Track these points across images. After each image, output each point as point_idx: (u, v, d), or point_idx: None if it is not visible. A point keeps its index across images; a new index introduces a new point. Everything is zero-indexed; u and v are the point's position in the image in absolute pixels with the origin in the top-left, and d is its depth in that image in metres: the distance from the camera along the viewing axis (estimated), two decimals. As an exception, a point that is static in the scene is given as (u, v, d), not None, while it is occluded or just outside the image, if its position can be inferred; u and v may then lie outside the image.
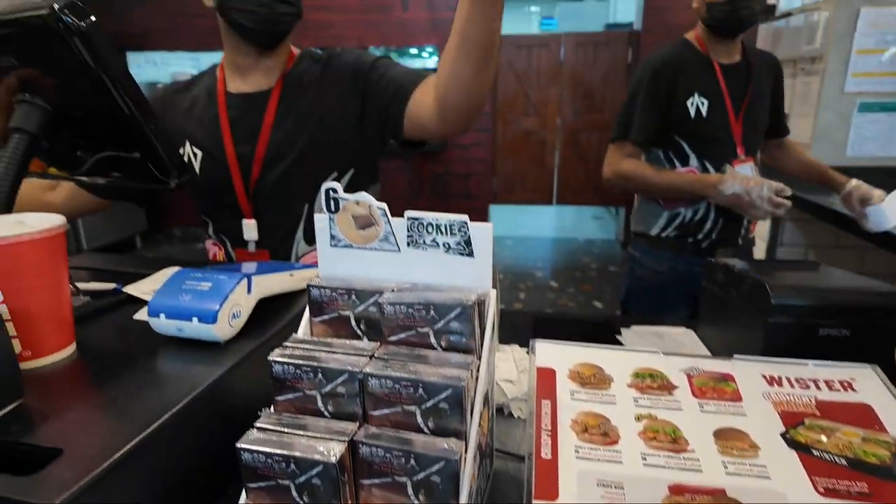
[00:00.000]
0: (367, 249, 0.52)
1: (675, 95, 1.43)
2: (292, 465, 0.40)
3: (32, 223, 0.52)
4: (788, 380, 0.50)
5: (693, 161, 1.46)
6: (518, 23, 7.10)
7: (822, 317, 0.60)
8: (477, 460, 0.45)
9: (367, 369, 0.43)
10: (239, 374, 0.54)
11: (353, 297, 0.50)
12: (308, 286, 0.51)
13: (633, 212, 1.68)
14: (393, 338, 0.48)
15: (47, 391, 0.49)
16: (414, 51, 4.56)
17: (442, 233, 0.49)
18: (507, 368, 0.68)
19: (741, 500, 0.40)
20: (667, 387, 0.50)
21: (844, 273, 0.70)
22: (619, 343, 0.82)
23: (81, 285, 0.71)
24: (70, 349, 0.54)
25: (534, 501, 0.40)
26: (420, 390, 0.42)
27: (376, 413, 0.44)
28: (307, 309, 0.52)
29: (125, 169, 0.70)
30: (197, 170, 1.00)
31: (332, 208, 0.51)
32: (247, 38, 0.93)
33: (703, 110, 1.43)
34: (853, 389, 0.48)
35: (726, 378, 0.51)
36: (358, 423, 0.44)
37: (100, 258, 0.95)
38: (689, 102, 1.43)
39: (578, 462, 0.43)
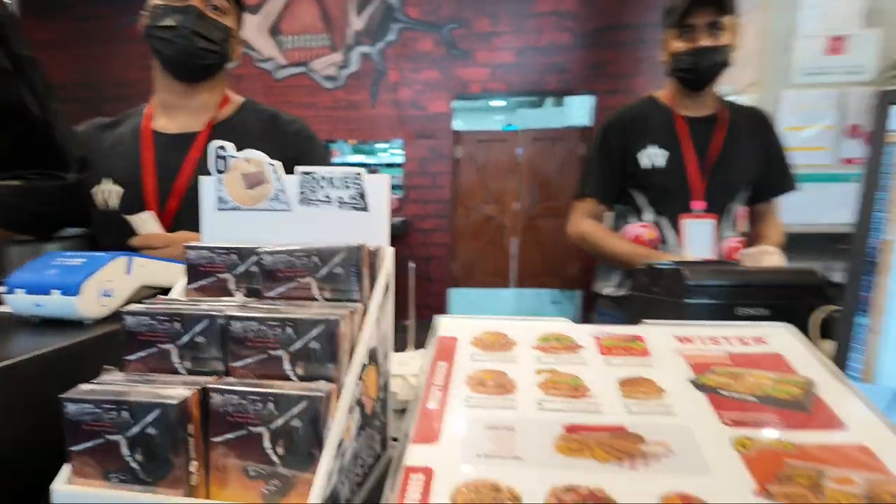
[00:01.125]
0: (256, 210, 0.49)
1: (627, 148, 1.42)
2: (124, 413, 0.34)
3: None
4: (700, 338, 0.47)
5: (648, 215, 1.43)
6: (481, 122, 7.56)
7: (738, 296, 0.59)
8: (357, 419, 0.40)
9: (231, 312, 0.39)
10: (98, 353, 0.48)
11: (234, 256, 0.46)
12: (185, 247, 0.47)
13: (596, 271, 1.65)
14: (271, 293, 0.44)
15: None
16: (381, 144, 4.77)
17: (335, 187, 0.47)
18: (418, 364, 0.63)
19: (642, 435, 0.35)
20: (572, 347, 0.47)
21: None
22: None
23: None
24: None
25: (409, 445, 0.35)
26: (288, 329, 0.38)
27: (239, 364, 0.39)
28: (184, 277, 0.48)
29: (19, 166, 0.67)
30: (116, 205, 0.97)
31: (221, 168, 0.49)
32: (168, 68, 0.96)
33: (660, 162, 1.41)
34: (764, 343, 0.46)
35: (636, 338, 0.48)
36: (217, 378, 0.39)
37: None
38: (640, 154, 1.41)
39: (468, 410, 0.39)
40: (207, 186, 0.50)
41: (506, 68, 4.59)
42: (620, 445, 0.35)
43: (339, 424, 0.36)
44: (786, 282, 0.59)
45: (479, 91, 4.68)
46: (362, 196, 0.47)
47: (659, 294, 0.66)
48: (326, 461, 0.34)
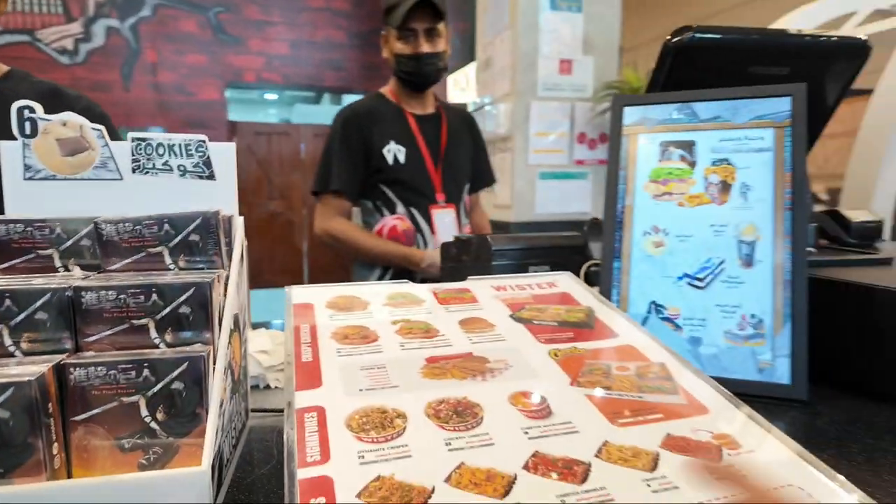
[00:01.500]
0: (78, 180, 0.45)
1: (371, 143, 1.45)
2: (-37, 397, 0.30)
3: None
4: (511, 287, 0.59)
5: (400, 208, 1.48)
6: (258, 114, 7.15)
7: (530, 256, 0.73)
8: (229, 384, 0.41)
9: (79, 283, 0.36)
10: None
11: (58, 229, 0.42)
12: (-11, 220, 0.40)
13: (353, 269, 1.63)
14: (114, 266, 0.41)
15: None
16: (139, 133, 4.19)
17: (176, 154, 0.46)
18: (262, 342, 0.63)
19: (486, 357, 0.44)
20: (417, 301, 0.54)
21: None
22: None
23: None
24: None
25: (296, 392, 0.38)
26: (154, 297, 0.37)
27: (92, 339, 0.36)
28: (-11, 255, 0.41)
29: None
30: None
31: (27, 132, 0.43)
32: None
33: (401, 158, 1.47)
34: (556, 286, 0.59)
35: (464, 290, 0.57)
36: (68, 355, 0.36)
37: None
38: (385, 150, 1.46)
39: (341, 359, 0.43)
40: (9, 153, 0.43)
41: (281, 59, 4.46)
42: (472, 366, 0.43)
43: (219, 383, 0.37)
44: (562, 244, 0.75)
45: (253, 80, 4.46)
46: (208, 164, 0.47)
47: (468, 261, 0.77)
48: (213, 419, 0.35)
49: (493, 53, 2.92)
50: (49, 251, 0.41)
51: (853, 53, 0.83)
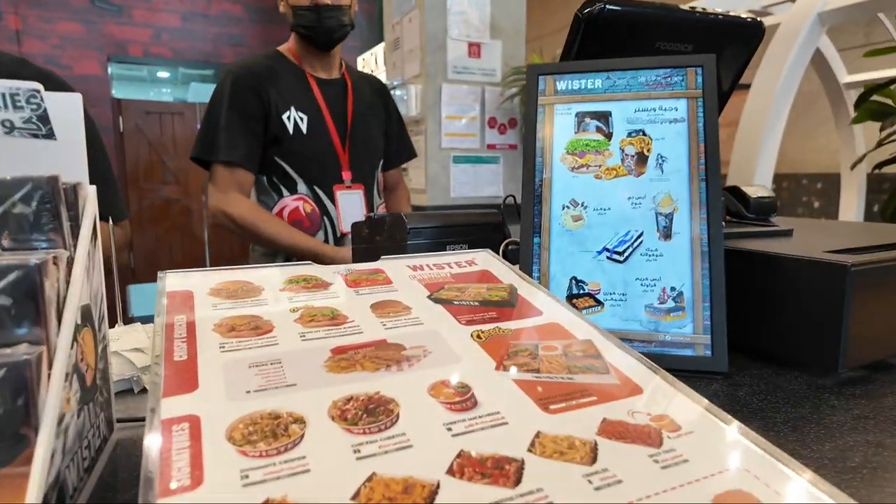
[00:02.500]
0: None
1: (268, 107, 1.24)
2: None
3: None
4: (428, 266, 0.53)
5: (301, 187, 1.30)
6: (148, 92, 6.54)
7: (447, 235, 0.68)
8: (76, 391, 0.32)
9: None
10: None
11: None
12: None
13: (251, 253, 1.43)
14: None
15: None
16: None
17: (1, 106, 0.36)
18: (137, 338, 0.53)
19: (402, 343, 0.39)
20: (321, 285, 0.47)
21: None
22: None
23: None
24: None
25: (163, 400, 0.30)
26: (-45, 286, 0.28)
27: None
28: None
29: None
30: None
31: None
32: None
33: (303, 127, 1.27)
34: (475, 264, 0.55)
35: (377, 271, 0.51)
36: None
37: None
38: (285, 116, 1.25)
39: (224, 355, 0.35)
40: None
41: (171, 33, 4.10)
42: (385, 355, 0.37)
43: (56, 394, 0.29)
44: (480, 221, 0.71)
45: (140, 55, 4.07)
46: (44, 119, 0.37)
47: (383, 241, 0.71)
48: (46, 440, 0.27)
49: (402, 34, 2.84)
50: None
51: (750, 33, 0.85)
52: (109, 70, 3.97)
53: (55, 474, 0.28)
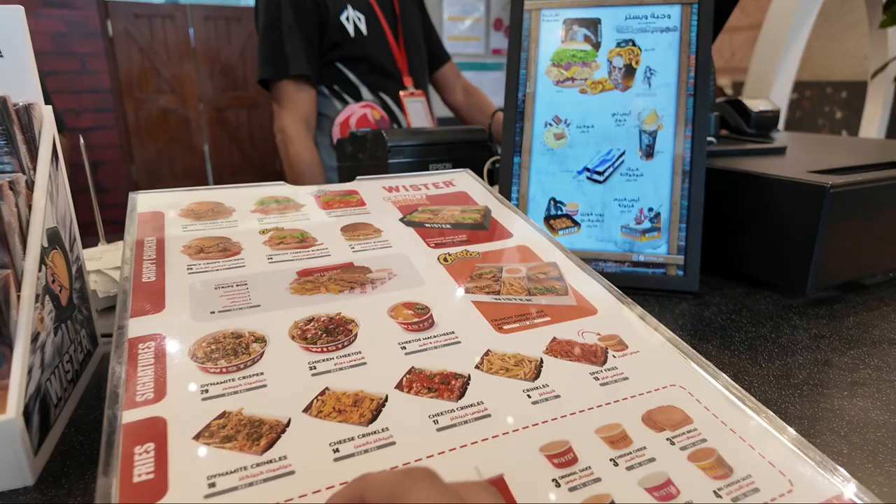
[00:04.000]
0: None
1: (325, 8, 1.14)
2: None
3: None
4: (404, 187, 0.53)
5: (366, 93, 1.20)
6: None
7: (429, 153, 0.67)
8: (51, 311, 0.34)
9: None
10: None
11: None
12: None
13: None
14: None
15: None
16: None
17: (-65, 23, 0.34)
18: (119, 256, 0.55)
19: (368, 266, 0.40)
20: (294, 206, 0.47)
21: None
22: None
23: None
24: None
25: (130, 320, 0.32)
26: (-86, 213, 0.28)
27: None
28: None
29: None
30: None
31: None
32: None
33: (363, 27, 1.16)
34: (453, 185, 0.55)
35: (351, 192, 0.51)
36: None
37: None
38: (343, 17, 1.14)
39: (192, 276, 0.37)
40: None
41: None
42: (350, 277, 0.38)
43: (27, 313, 0.30)
44: (464, 139, 0.70)
45: (124, -52, 3.79)
46: (-9, 39, 0.36)
47: (364, 159, 0.70)
48: (21, 356, 0.29)
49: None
50: None
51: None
52: (92, -32, 3.72)
53: (35, 386, 0.30)
